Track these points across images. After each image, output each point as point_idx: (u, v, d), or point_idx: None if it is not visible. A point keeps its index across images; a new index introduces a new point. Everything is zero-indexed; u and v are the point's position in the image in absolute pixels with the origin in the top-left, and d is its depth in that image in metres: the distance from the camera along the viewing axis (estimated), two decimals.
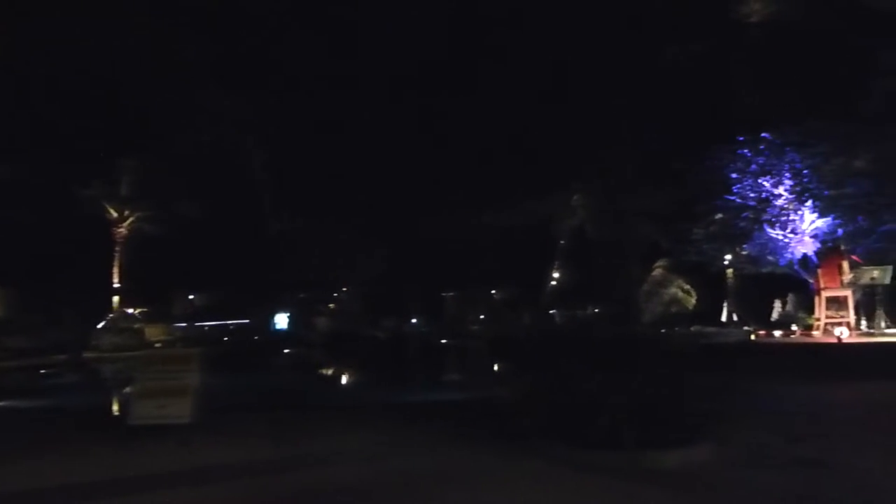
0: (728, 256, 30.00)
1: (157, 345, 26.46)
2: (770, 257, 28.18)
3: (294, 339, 30.73)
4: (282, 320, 36.16)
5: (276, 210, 32.01)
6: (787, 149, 26.28)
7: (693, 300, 30.99)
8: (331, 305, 35.30)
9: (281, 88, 21.29)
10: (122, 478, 7.40)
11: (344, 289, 36.69)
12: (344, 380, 19.28)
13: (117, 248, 34.77)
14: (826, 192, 25.81)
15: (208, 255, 32.40)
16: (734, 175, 27.52)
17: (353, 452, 8.47)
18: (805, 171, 26.16)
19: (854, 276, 24.91)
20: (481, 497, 6.45)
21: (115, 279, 34.61)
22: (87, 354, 25.65)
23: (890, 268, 24.05)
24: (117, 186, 34.19)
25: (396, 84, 18.65)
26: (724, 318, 31.51)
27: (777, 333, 25.87)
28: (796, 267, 27.76)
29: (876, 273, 24.14)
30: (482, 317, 33.55)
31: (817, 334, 24.64)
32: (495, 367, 13.92)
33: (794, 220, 26.69)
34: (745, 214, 27.60)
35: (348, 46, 16.91)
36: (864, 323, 25.72)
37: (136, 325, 29.82)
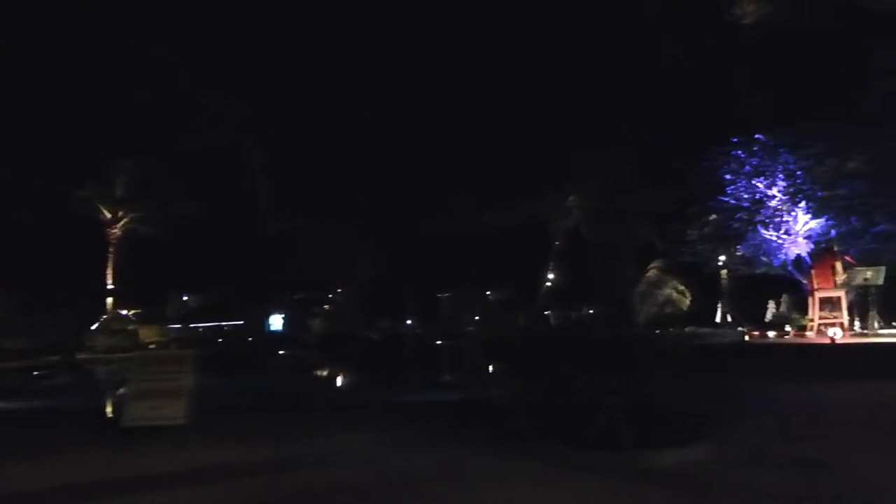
0: (722, 257, 30.06)
1: (151, 346, 26.37)
2: (764, 258, 28.27)
3: (289, 340, 30.71)
4: (277, 321, 36.10)
5: (272, 211, 31.97)
6: (781, 150, 26.39)
7: (687, 301, 31.04)
8: (326, 306, 35.25)
9: (278, 88, 21.28)
10: (118, 479, 7.37)
11: (339, 290, 36.64)
12: (339, 381, 19.27)
13: (111, 250, 34.62)
14: (819, 194, 25.92)
15: (202, 256, 32.31)
16: (728, 176, 27.61)
17: (351, 453, 8.46)
18: (798, 173, 26.27)
19: (847, 277, 25.00)
20: (481, 497, 6.45)
21: (109, 280, 34.46)
22: (80, 356, 25.54)
23: (883, 268, 24.14)
24: (111, 187, 34.04)
25: (394, 84, 18.67)
26: (718, 318, 31.59)
27: (771, 334, 25.95)
28: (790, 268, 27.86)
29: (869, 274, 24.23)
30: (477, 318, 33.54)
31: (811, 335, 24.72)
32: (490, 368, 13.93)
33: (787, 221, 26.79)
34: (738, 215, 27.69)
35: (347, 47, 16.92)
36: (857, 324, 25.81)
37: (129, 327, 29.70)
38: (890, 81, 22.18)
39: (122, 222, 34.79)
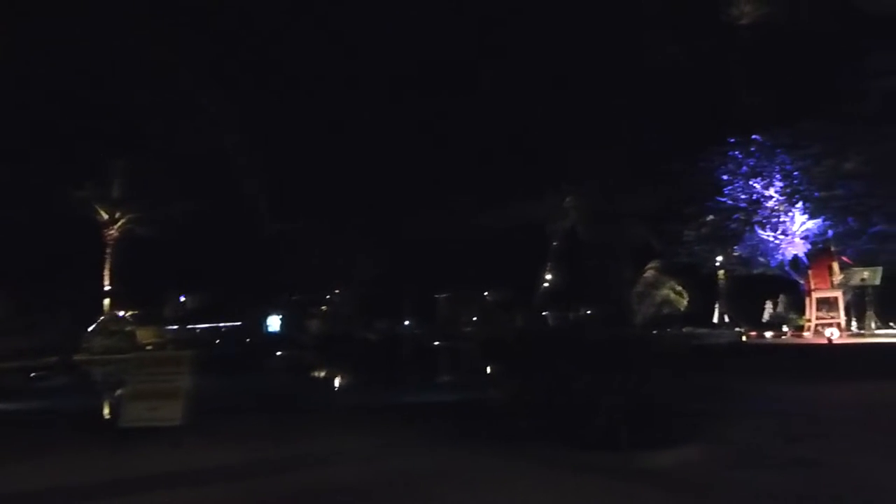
0: (719, 258, 30.11)
1: (148, 347, 26.33)
2: (761, 258, 28.31)
3: (286, 341, 30.65)
4: (274, 322, 36.07)
5: (269, 211, 31.94)
6: (778, 150, 26.44)
7: (685, 301, 31.07)
8: (323, 307, 35.21)
9: (276, 88, 21.27)
10: (117, 479, 7.36)
11: (337, 290, 36.61)
12: (337, 382, 19.24)
13: (108, 251, 34.57)
14: (816, 194, 25.98)
15: (200, 257, 32.30)
16: (725, 177, 27.66)
17: (350, 453, 8.45)
18: (795, 173, 26.33)
19: (844, 278, 25.05)
20: (480, 497, 6.45)
21: (106, 281, 34.41)
22: (77, 357, 25.48)
23: (880, 269, 24.19)
24: (109, 188, 34.00)
25: (393, 85, 18.67)
26: (715, 319, 31.62)
27: (768, 334, 25.99)
28: (787, 268, 27.90)
29: (866, 274, 24.28)
30: (475, 318, 33.53)
31: (808, 335, 24.76)
32: (488, 369, 13.93)
33: (784, 222, 26.84)
34: (736, 216, 27.73)
35: (346, 47, 16.92)
36: (854, 324, 25.86)
37: (127, 328, 29.62)
38: (887, 82, 22.23)
39: (119, 223, 34.74)
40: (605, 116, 9.82)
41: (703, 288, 31.16)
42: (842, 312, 24.81)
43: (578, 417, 7.49)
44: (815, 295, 25.49)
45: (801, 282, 27.29)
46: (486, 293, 37.38)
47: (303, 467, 7.84)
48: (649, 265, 31.42)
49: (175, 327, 34.62)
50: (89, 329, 28.98)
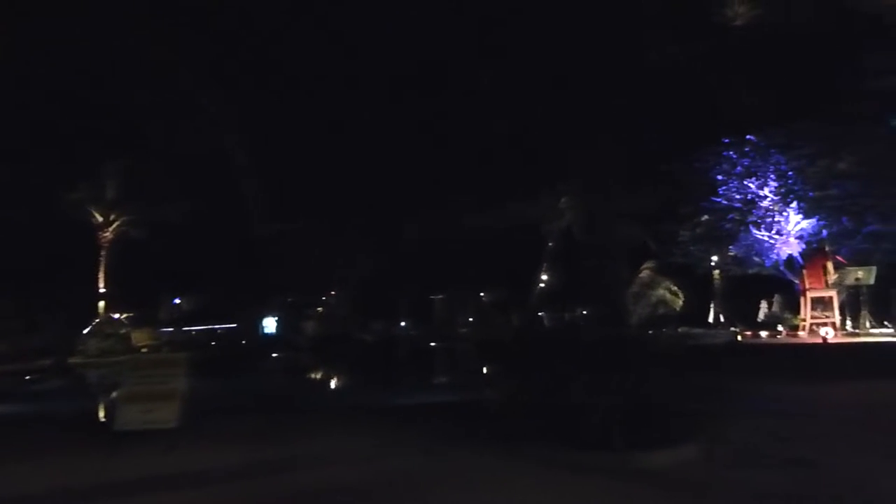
0: (714, 258, 30.19)
1: (143, 350, 26.26)
2: (756, 258, 28.40)
3: (282, 343, 30.61)
4: (270, 324, 36.02)
5: (265, 213, 31.88)
6: (772, 151, 26.53)
7: (680, 302, 31.09)
8: (319, 309, 35.19)
9: (274, 88, 21.22)
10: (112, 482, 7.34)
11: (332, 292, 36.59)
12: (333, 383, 19.23)
13: (103, 253, 34.48)
14: (811, 194, 26.06)
15: (195, 259, 32.24)
16: (720, 177, 27.74)
17: (349, 454, 8.44)
18: (790, 173, 26.41)
19: (839, 277, 25.12)
20: (480, 498, 6.45)
21: (101, 283, 34.33)
22: (72, 360, 25.40)
23: (874, 268, 24.26)
24: (103, 190, 33.92)
25: (390, 85, 18.65)
26: (711, 319, 31.69)
27: (763, 334, 26.04)
28: (782, 268, 27.98)
29: (860, 273, 24.35)
30: (471, 319, 33.54)
31: (803, 335, 24.82)
32: (484, 370, 13.92)
33: (779, 222, 26.92)
34: (730, 216, 27.81)
35: (343, 47, 16.90)
36: (849, 323, 25.93)
37: (122, 330, 29.53)
38: (880, 82, 22.30)
39: (113, 225, 34.66)
40: (601, 116, 9.83)
41: (698, 288, 31.19)
42: (836, 312, 24.87)
43: (575, 418, 7.49)
44: (809, 294, 25.56)
45: (796, 281, 27.36)
46: (482, 294, 37.42)
47: (301, 468, 7.82)
48: (645, 265, 31.41)
49: (170, 329, 34.57)
50: (84, 331, 28.88)
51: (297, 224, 31.71)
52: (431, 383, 16.78)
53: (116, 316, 32.42)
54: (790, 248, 26.94)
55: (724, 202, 27.77)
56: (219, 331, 35.67)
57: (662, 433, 7.41)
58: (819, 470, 6.90)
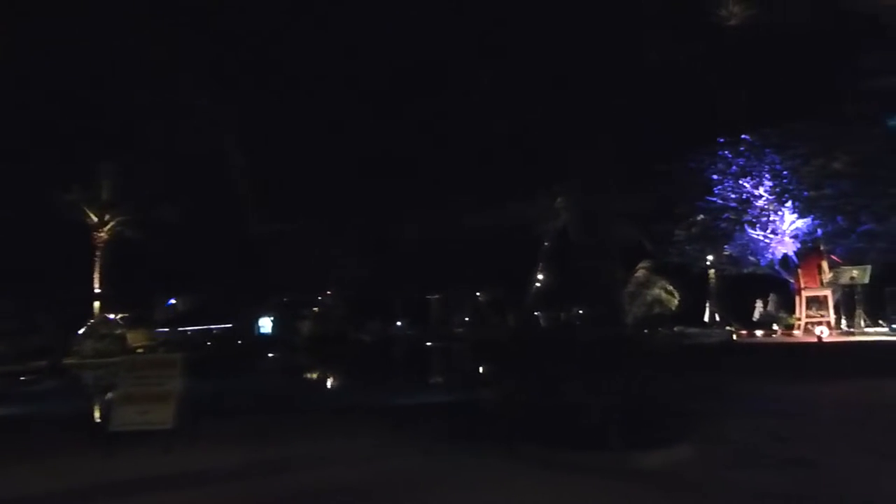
0: (710, 257, 30.26)
1: (138, 350, 26.22)
2: (751, 258, 28.48)
3: (278, 343, 30.62)
4: (266, 324, 35.99)
5: (260, 213, 31.86)
6: (767, 150, 26.61)
7: (676, 301, 31.18)
8: (315, 309, 35.18)
9: (269, 89, 21.17)
10: (108, 483, 7.32)
11: (328, 292, 36.58)
12: (330, 383, 19.24)
13: (98, 253, 34.40)
14: (806, 193, 26.14)
15: (190, 259, 32.17)
16: (715, 176, 27.80)
17: (347, 454, 8.44)
18: (785, 173, 26.49)
19: (834, 276, 25.22)
20: (479, 498, 6.45)
21: (96, 284, 34.25)
22: (67, 361, 25.35)
23: (869, 267, 24.36)
24: (98, 191, 33.84)
25: (386, 86, 18.62)
26: (706, 318, 31.76)
27: (758, 333, 26.13)
28: (777, 267, 28.07)
29: (855, 273, 24.44)
30: (467, 319, 33.60)
31: (798, 334, 24.91)
32: (480, 370, 13.94)
33: (774, 221, 27.00)
34: (726, 215, 27.88)
35: (336, 48, 16.87)
36: (843, 322, 26.02)
37: (117, 331, 29.51)
38: (874, 82, 22.37)
39: (108, 226, 34.58)
40: (600, 116, 9.84)
41: (693, 287, 31.27)
42: (831, 311, 24.98)
43: (572, 418, 7.50)
44: (804, 294, 25.65)
45: (791, 281, 27.46)
46: (478, 293, 37.46)
47: (300, 468, 7.82)
48: (640, 265, 31.54)
49: (166, 330, 34.51)
50: (79, 332, 28.84)
51: (294, 224, 31.69)
52: (428, 383, 16.80)
53: (112, 316, 32.36)
54: (785, 247, 27.02)
55: (720, 202, 27.84)
56: (215, 331, 35.65)
57: (660, 433, 7.42)
58: (818, 470, 6.91)
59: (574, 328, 10.99)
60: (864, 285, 25.24)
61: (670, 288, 31.58)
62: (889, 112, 24.02)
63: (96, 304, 33.80)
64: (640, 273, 31.50)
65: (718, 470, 7.01)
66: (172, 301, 39.94)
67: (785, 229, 26.82)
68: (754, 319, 30.36)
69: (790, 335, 25.19)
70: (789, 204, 26.50)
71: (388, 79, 17.76)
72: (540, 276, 35.81)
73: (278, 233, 32.18)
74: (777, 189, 26.72)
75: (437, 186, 27.61)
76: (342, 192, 29.66)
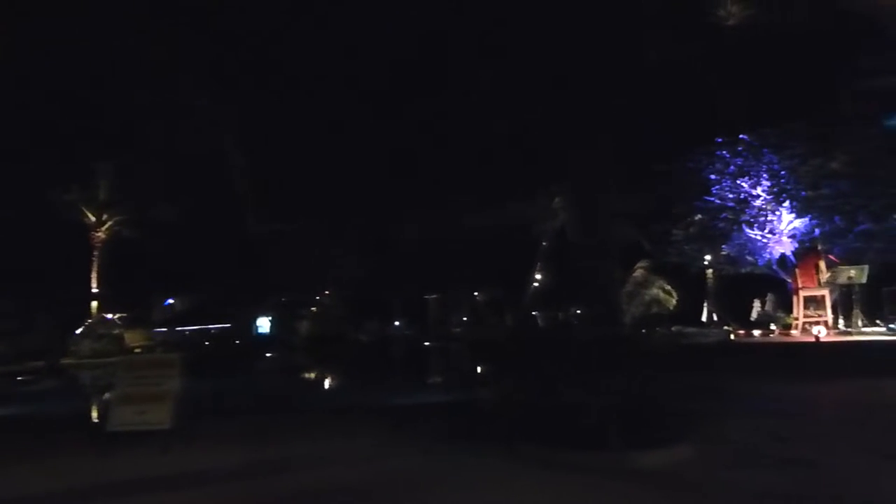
0: (708, 257, 30.30)
1: (136, 350, 26.20)
2: (749, 257, 28.51)
3: (276, 342, 30.58)
4: (264, 324, 35.96)
5: (260, 213, 31.83)
6: (765, 150, 26.64)
7: (674, 301, 31.22)
8: (313, 309, 35.15)
9: (267, 88, 21.15)
10: (105, 484, 7.31)
11: (326, 292, 36.54)
12: (328, 383, 19.22)
13: (95, 253, 34.35)
14: (803, 193, 26.18)
15: (189, 259, 32.13)
16: (713, 176, 27.83)
17: (347, 454, 8.43)
18: (782, 173, 26.53)
19: (831, 276, 25.26)
20: (479, 498, 6.45)
21: (94, 284, 34.20)
22: (65, 361, 25.31)
23: (866, 267, 24.40)
24: (95, 190, 33.80)
25: (381, 86, 18.61)
26: (704, 318, 31.79)
27: (756, 333, 26.16)
28: (775, 267, 28.10)
29: (853, 272, 24.48)
30: (465, 319, 33.59)
31: (796, 333, 24.94)
32: (479, 369, 13.94)
33: (772, 221, 27.03)
34: (723, 215, 27.91)
35: (335, 48, 16.86)
36: (841, 322, 26.06)
37: (115, 331, 29.46)
38: (872, 82, 22.40)
39: (106, 225, 34.53)
40: (600, 116, 9.84)
41: (691, 287, 31.33)
42: (829, 310, 25.00)
43: (571, 417, 7.50)
44: (802, 293, 25.68)
45: (789, 280, 27.49)
46: (476, 293, 37.45)
47: (299, 468, 7.81)
48: (638, 265, 31.58)
49: (164, 329, 34.48)
50: (77, 332, 28.80)
51: (293, 224, 31.67)
52: (426, 383, 16.78)
53: (109, 316, 32.32)
54: (783, 247, 27.05)
55: (718, 201, 27.88)
56: (213, 331, 35.61)
57: (659, 433, 7.42)
58: (817, 470, 6.91)
59: (572, 328, 11.01)
60: (861, 285, 25.29)
61: (668, 288, 31.63)
62: (887, 112, 24.05)
63: (94, 303, 33.76)
64: (639, 273, 31.55)
65: (718, 470, 7.01)
66: (170, 301, 39.92)
67: (783, 229, 26.85)
68: (752, 319, 30.40)
69: (788, 335, 25.22)
70: (787, 204, 26.54)
71: (387, 79, 17.75)
72: (538, 276, 35.82)
73: (277, 233, 32.17)
74: (775, 189, 26.76)
75: (435, 186, 27.61)
76: (341, 192, 29.63)
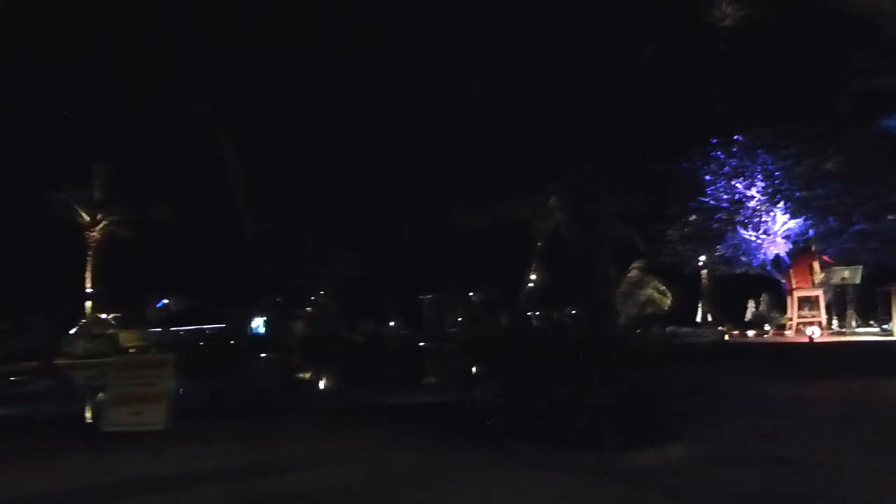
0: (702, 257, 30.37)
1: (131, 350, 26.14)
2: (743, 258, 28.58)
3: (272, 343, 30.56)
4: (259, 324, 35.94)
5: (254, 213, 31.74)
6: (760, 151, 26.68)
7: (668, 301, 31.35)
8: (308, 309, 35.15)
9: (263, 88, 21.15)
10: (99, 485, 7.29)
11: (321, 292, 36.53)
12: (323, 383, 19.22)
13: (90, 253, 34.25)
14: (797, 194, 26.24)
15: (184, 259, 32.10)
16: (708, 177, 27.88)
17: (340, 455, 8.42)
18: (777, 173, 26.57)
19: (825, 276, 25.34)
20: (473, 497, 6.46)
21: (88, 284, 34.11)
22: (59, 361, 25.25)
23: (860, 267, 24.47)
24: (90, 190, 33.71)
25: (374, 86, 18.63)
26: (698, 318, 31.89)
27: (750, 333, 26.23)
28: (769, 267, 28.17)
29: (846, 273, 24.55)
30: (459, 319, 33.63)
31: (790, 334, 25.00)
32: (473, 370, 13.95)
33: (766, 222, 27.09)
34: (718, 216, 27.96)
35: (330, 49, 16.87)
36: (835, 322, 26.14)
37: (109, 331, 29.44)
38: (866, 83, 22.49)
39: (100, 225, 34.44)
40: (591, 118, 9.87)
41: (686, 287, 31.45)
42: (823, 311, 25.08)
43: (563, 418, 7.51)
44: (796, 294, 25.76)
45: (783, 281, 27.57)
46: (471, 294, 37.49)
47: (293, 469, 7.79)
48: (633, 265, 31.70)
49: (158, 330, 34.43)
50: (71, 332, 28.74)
51: (288, 224, 31.63)
52: (421, 383, 16.80)
53: (104, 316, 32.27)
54: (777, 247, 27.12)
55: (712, 202, 27.93)
56: (207, 331, 35.57)
57: (650, 433, 7.44)
58: (808, 469, 6.93)
59: (566, 328, 11.00)
60: (855, 285, 25.36)
61: (663, 288, 31.78)
62: (884, 113, 24.09)
63: (88, 303, 33.67)
64: (633, 273, 31.68)
65: (710, 469, 7.03)
66: (165, 301, 39.86)
67: (777, 230, 26.92)
68: (746, 319, 30.51)
69: (782, 335, 25.29)
70: (781, 204, 26.60)
71: (382, 78, 17.78)
72: (533, 276, 35.86)
73: (272, 232, 32.12)
74: (769, 189, 26.81)
75: (430, 187, 27.62)
76: (336, 191, 29.62)
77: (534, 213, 33.13)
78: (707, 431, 7.92)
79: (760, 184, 26.93)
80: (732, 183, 27.43)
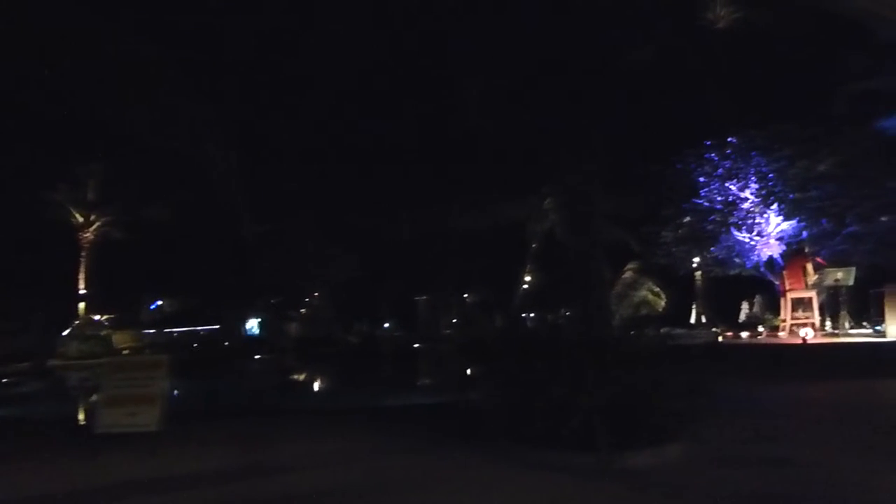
0: (696, 259, 30.45)
1: (124, 352, 26.06)
2: (737, 259, 28.67)
3: (266, 344, 30.50)
4: (253, 326, 35.87)
5: (248, 214, 31.70)
6: (753, 152, 26.77)
7: (662, 302, 31.47)
8: (302, 310, 35.10)
9: (259, 89, 21.11)
10: (93, 487, 7.26)
11: (316, 293, 36.47)
12: (318, 385, 19.20)
13: (83, 254, 34.11)
14: (791, 196, 26.32)
15: (177, 260, 32.01)
16: (701, 179, 27.96)
17: (335, 457, 8.41)
18: (770, 175, 26.66)
19: (818, 278, 25.41)
20: (468, 499, 6.46)
21: (82, 285, 33.97)
22: (52, 362, 25.15)
23: (853, 269, 24.54)
24: (83, 191, 33.57)
25: (374, 86, 18.63)
26: (692, 319, 31.96)
27: (744, 335, 26.28)
28: (762, 269, 28.26)
29: (840, 274, 24.62)
30: (454, 320, 33.62)
31: (783, 335, 25.06)
32: (468, 371, 13.95)
33: (759, 223, 27.17)
34: (712, 217, 28.04)
35: (327, 50, 16.86)
36: (828, 324, 26.22)
37: (103, 332, 29.31)
38: (860, 85, 22.58)
39: (94, 226, 34.30)
40: (586, 120, 9.89)
41: (680, 289, 31.54)
42: (816, 312, 25.15)
43: (558, 419, 7.51)
44: (789, 295, 25.82)
45: (777, 282, 27.65)
46: (465, 295, 37.50)
47: (288, 471, 7.77)
48: (628, 266, 31.79)
49: (152, 331, 34.33)
50: (64, 333, 28.61)
51: (283, 225, 31.58)
52: (416, 384, 16.79)
53: (97, 317, 32.13)
54: (771, 249, 27.20)
55: (706, 204, 28.01)
56: (202, 332, 35.49)
57: (647, 433, 7.45)
58: (805, 470, 6.96)
59: (561, 329, 11.00)
60: (848, 287, 25.44)
61: (657, 289, 31.88)
62: (875, 114, 24.19)
63: (82, 304, 33.53)
64: (628, 274, 31.78)
65: (709, 469, 7.05)
66: (159, 302, 39.74)
67: (770, 231, 27.00)
68: (740, 321, 30.59)
69: (775, 336, 25.35)
70: (775, 206, 26.68)
71: (379, 81, 17.77)
72: (528, 278, 35.89)
73: (267, 233, 32.07)
74: (763, 191, 26.90)
75: (425, 188, 27.62)
76: (336, 192, 29.59)
77: (529, 215, 33.18)
78: (705, 432, 7.93)
79: (754, 185, 27.01)
80: (726, 184, 27.51)
